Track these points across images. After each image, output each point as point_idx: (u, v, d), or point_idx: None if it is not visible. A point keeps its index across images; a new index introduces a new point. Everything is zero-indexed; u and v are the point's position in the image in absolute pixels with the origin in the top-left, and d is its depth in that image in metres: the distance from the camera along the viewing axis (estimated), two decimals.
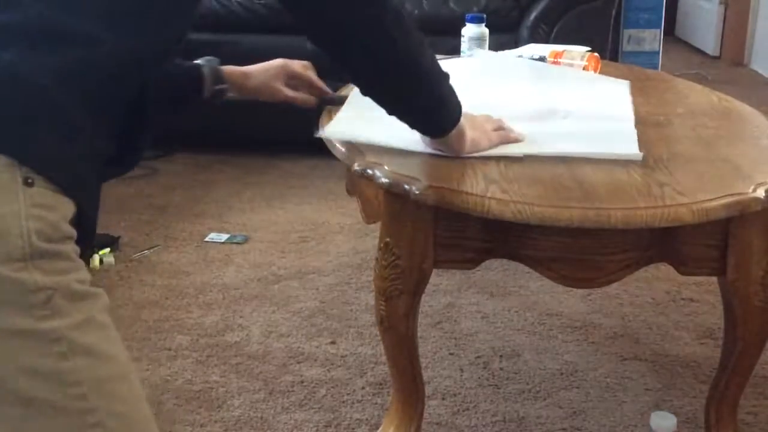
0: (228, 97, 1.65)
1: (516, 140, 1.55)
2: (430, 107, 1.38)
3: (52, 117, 0.93)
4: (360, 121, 1.62)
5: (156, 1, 1.03)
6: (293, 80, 1.72)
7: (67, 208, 0.94)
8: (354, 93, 1.71)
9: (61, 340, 0.91)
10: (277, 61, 1.71)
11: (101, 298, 0.97)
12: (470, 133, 1.46)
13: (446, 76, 1.37)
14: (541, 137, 1.58)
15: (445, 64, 1.66)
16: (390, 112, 1.36)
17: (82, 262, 0.96)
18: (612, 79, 2.01)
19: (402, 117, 1.38)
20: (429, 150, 1.49)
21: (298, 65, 1.73)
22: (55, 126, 0.93)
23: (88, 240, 1.00)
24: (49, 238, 0.91)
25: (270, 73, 1.69)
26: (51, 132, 0.93)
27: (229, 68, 1.64)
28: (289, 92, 1.71)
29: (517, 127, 1.58)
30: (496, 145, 1.52)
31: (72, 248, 0.95)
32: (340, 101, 1.75)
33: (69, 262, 0.94)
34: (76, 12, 0.96)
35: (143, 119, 1.09)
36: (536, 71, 1.99)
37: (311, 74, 1.74)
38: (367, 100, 1.33)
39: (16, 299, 0.89)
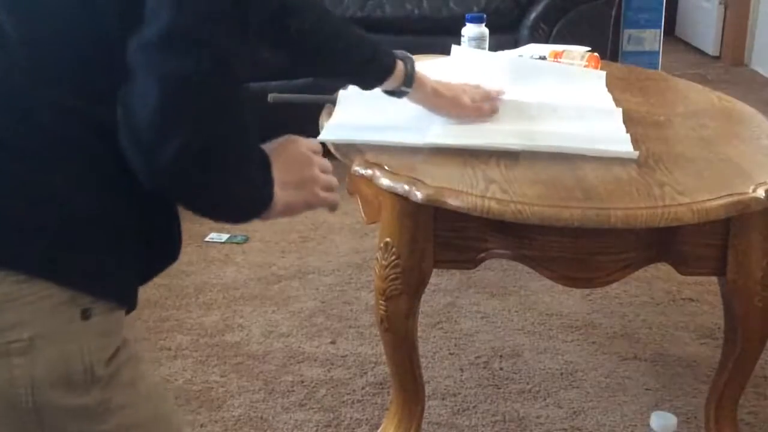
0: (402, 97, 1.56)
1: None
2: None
3: (98, 236, 0.90)
4: (353, 124, 1.64)
5: None
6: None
7: (121, 316, 0.95)
8: (342, 96, 1.74)
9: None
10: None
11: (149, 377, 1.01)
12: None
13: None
14: (538, 134, 1.58)
15: (426, 64, 1.69)
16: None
17: (136, 349, 0.98)
18: (586, 69, 2.01)
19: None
20: (421, 141, 1.53)
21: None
22: (104, 244, 0.91)
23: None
24: (108, 362, 0.92)
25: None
26: (101, 253, 0.91)
27: (422, 79, 1.55)
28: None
29: (511, 125, 1.61)
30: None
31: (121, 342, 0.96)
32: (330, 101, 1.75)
33: (121, 359, 0.95)
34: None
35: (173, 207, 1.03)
36: (514, 66, 1.99)
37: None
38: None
39: (78, 416, 0.91)
